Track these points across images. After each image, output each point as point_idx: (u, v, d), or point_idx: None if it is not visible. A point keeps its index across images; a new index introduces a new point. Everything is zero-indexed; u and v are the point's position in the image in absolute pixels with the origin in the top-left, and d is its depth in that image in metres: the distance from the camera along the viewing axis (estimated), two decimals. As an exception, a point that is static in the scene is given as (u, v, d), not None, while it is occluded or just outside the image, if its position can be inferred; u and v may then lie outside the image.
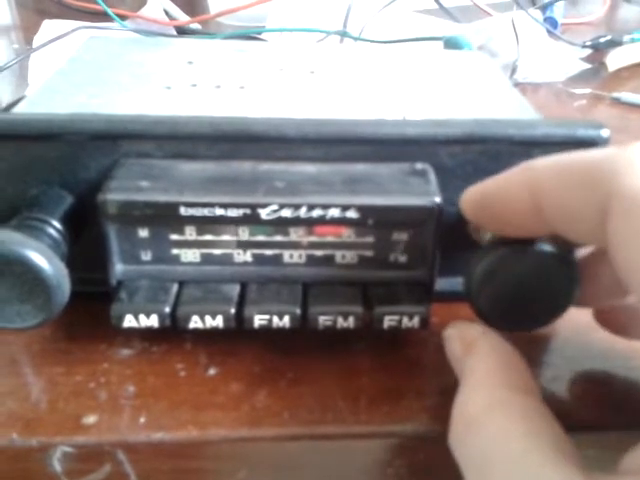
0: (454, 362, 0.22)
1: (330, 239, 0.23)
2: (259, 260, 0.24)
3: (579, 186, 0.19)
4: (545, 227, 0.20)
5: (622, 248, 0.18)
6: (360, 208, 0.22)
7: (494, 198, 0.21)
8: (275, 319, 0.23)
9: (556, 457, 0.17)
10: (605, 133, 0.24)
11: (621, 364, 0.24)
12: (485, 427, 0.18)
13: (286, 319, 0.23)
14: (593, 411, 0.23)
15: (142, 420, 0.22)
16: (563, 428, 0.18)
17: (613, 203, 0.18)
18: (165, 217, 0.22)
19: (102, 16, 0.61)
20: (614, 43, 0.61)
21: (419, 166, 0.24)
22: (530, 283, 0.22)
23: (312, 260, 0.24)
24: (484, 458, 0.18)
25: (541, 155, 0.24)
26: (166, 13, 0.64)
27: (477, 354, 0.21)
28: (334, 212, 0.22)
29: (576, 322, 0.24)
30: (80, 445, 0.21)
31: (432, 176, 0.23)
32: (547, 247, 0.21)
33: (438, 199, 0.22)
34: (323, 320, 0.23)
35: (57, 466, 0.21)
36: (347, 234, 0.23)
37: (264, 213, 0.22)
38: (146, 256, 0.23)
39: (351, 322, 0.23)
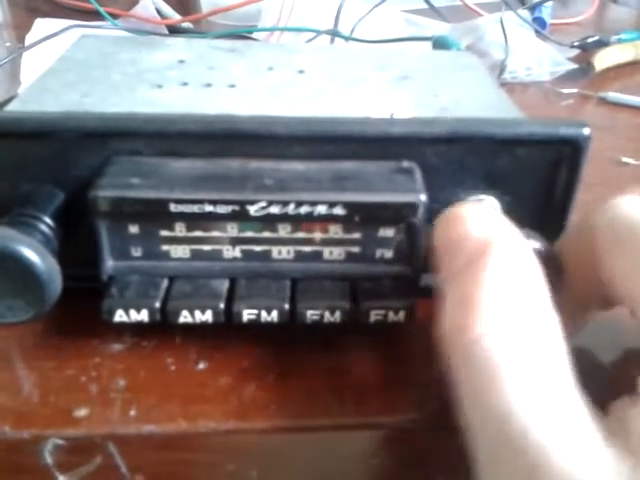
0: (448, 253, 0.19)
1: (318, 235, 0.24)
2: (248, 256, 0.24)
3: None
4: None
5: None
6: (347, 205, 0.23)
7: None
8: (264, 314, 0.23)
9: (571, 381, 0.16)
10: (587, 131, 0.24)
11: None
12: (504, 344, 0.16)
13: (274, 314, 0.23)
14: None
15: (132, 413, 0.22)
16: None
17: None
18: (155, 214, 0.23)
19: (94, 15, 0.62)
20: (602, 43, 0.62)
21: (405, 164, 0.24)
22: None
23: (300, 256, 0.24)
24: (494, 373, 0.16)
25: (524, 153, 0.25)
26: (158, 12, 0.64)
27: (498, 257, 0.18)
28: (321, 209, 0.23)
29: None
30: (71, 437, 0.21)
31: (418, 174, 0.24)
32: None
33: (423, 196, 0.23)
34: (311, 315, 0.23)
35: (48, 458, 0.22)
36: (334, 230, 0.24)
37: (253, 210, 0.23)
38: (136, 252, 0.24)
39: (338, 317, 0.23)
